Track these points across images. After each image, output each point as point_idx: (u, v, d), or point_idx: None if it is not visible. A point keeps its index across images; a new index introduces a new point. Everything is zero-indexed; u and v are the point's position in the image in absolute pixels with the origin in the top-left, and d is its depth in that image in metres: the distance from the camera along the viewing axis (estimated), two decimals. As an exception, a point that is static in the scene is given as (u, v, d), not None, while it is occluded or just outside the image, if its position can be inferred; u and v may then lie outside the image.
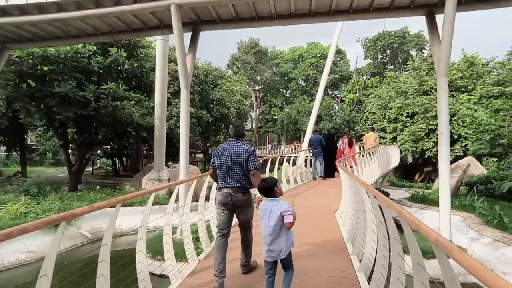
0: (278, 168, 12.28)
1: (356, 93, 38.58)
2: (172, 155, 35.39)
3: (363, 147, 14.48)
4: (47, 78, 11.55)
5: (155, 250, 6.86)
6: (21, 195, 10.17)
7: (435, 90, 23.97)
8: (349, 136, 13.78)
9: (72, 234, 8.91)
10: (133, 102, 12.35)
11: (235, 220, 3.75)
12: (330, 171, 12.17)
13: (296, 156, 15.75)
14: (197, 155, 42.82)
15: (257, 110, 44.79)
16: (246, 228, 3.69)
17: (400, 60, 40.31)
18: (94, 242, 9.12)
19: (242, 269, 3.76)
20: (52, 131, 19.39)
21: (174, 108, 24.37)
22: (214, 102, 30.53)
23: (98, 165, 43.74)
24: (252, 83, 43.82)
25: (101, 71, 13.14)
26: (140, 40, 14.64)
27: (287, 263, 2.97)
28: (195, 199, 5.76)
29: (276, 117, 44.02)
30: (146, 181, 12.94)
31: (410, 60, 39.60)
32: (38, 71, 11.64)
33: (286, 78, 44.88)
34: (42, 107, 11.63)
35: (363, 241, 3.78)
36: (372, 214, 3.39)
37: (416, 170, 25.89)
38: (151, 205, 3.48)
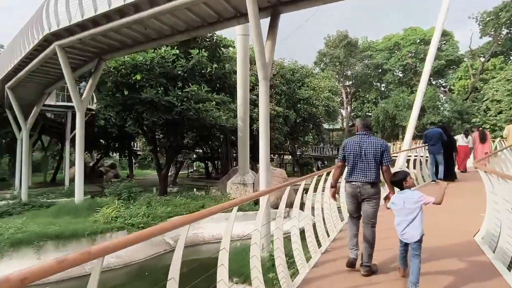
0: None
1: (469, 79, 32.25)
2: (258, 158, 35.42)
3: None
4: (137, 86, 11.94)
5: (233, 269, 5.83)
6: (115, 199, 10.57)
7: None
8: (481, 129, 10.93)
9: (156, 241, 8.68)
10: (214, 103, 11.92)
11: None
12: (452, 173, 9.53)
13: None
14: (285, 156, 42.10)
15: (348, 107, 41.54)
16: (369, 224, 3.62)
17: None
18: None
19: (362, 270, 3.58)
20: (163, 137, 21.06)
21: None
22: (302, 102, 29.13)
23: (195, 168, 47.07)
24: (341, 79, 40.91)
25: (185, 74, 13.13)
26: (222, 40, 14.27)
27: (416, 249, 3.07)
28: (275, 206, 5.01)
29: (370, 114, 40.07)
30: (230, 185, 12.35)
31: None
32: (130, 80, 12.15)
33: (380, 70, 40.48)
34: (133, 114, 12.10)
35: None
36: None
37: None
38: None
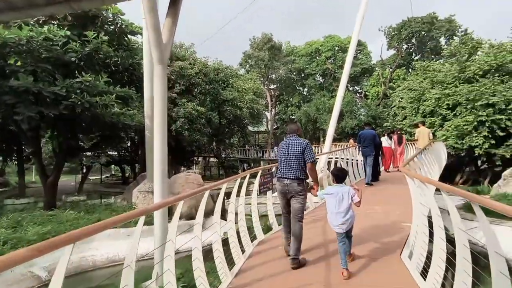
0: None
1: (381, 86, 35.22)
2: (182, 161, 33.24)
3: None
4: (7, 71, 9.31)
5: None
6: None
7: (481, 77, 20.63)
8: (399, 132, 11.50)
9: (17, 276, 6.46)
10: (114, 96, 9.93)
11: None
12: (376, 175, 9.43)
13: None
14: (211, 159, 40.60)
15: (273, 110, 42.01)
16: (296, 218, 3.86)
17: (429, 49, 36.64)
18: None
19: (291, 263, 3.74)
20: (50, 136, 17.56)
21: (181, 109, 22.11)
22: (226, 103, 28.12)
23: (113, 172, 42.34)
24: (266, 82, 41.17)
25: (81, 62, 10.85)
26: (128, 25, 12.29)
27: (349, 233, 3.62)
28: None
29: (294, 117, 41.12)
30: (137, 193, 10.49)
31: (440, 48, 36.24)
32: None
33: (303, 75, 41.95)
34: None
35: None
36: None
37: (456, 171, 22.32)
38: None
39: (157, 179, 5.54)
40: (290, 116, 42.30)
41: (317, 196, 3.79)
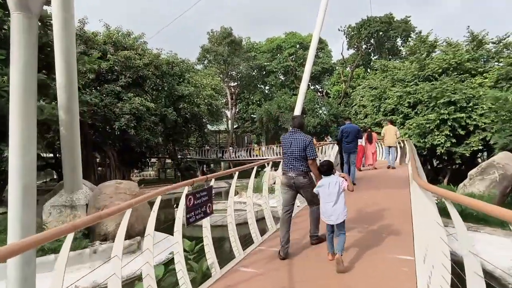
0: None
1: (342, 85, 34.93)
2: (132, 163, 30.22)
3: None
4: None
5: None
6: None
7: (439, 75, 20.57)
8: (369, 130, 11.71)
9: None
10: (6, 78, 7.57)
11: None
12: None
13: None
14: (167, 160, 37.73)
15: (233, 108, 40.20)
16: (312, 204, 4.12)
17: (386, 50, 37.10)
18: None
19: (311, 240, 4.17)
20: None
21: (127, 104, 19.52)
22: (183, 99, 25.82)
23: (55, 177, 37.84)
24: (226, 79, 39.29)
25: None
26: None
27: (341, 228, 3.54)
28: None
29: (254, 116, 39.69)
30: (49, 209, 8.20)
31: (397, 49, 36.88)
32: None
33: (264, 72, 40.62)
34: None
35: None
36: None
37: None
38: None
39: (14, 200, 3.54)
40: (251, 115, 40.84)
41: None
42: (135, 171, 36.99)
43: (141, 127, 20.10)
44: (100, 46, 21.01)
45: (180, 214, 3.00)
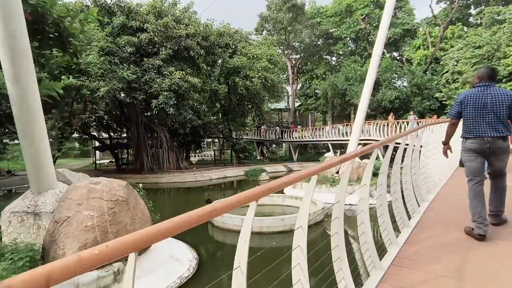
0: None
1: (428, 49, 28.22)
2: (189, 144, 28.73)
3: None
4: None
5: None
6: None
7: None
8: None
9: None
10: None
11: None
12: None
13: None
14: (224, 143, 35.75)
15: (295, 84, 36.10)
16: (502, 174, 3.48)
17: None
18: None
19: (491, 219, 3.52)
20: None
21: (166, 80, 17.30)
22: (235, 74, 22.93)
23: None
24: (287, 51, 35.20)
25: None
26: None
27: None
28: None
29: (318, 91, 35.12)
30: (8, 216, 5.96)
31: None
32: None
33: (331, 40, 35.34)
34: None
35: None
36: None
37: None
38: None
39: None
40: (315, 91, 36.29)
41: None
42: (197, 151, 36.06)
43: (183, 105, 17.78)
44: (143, 17, 19.04)
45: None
